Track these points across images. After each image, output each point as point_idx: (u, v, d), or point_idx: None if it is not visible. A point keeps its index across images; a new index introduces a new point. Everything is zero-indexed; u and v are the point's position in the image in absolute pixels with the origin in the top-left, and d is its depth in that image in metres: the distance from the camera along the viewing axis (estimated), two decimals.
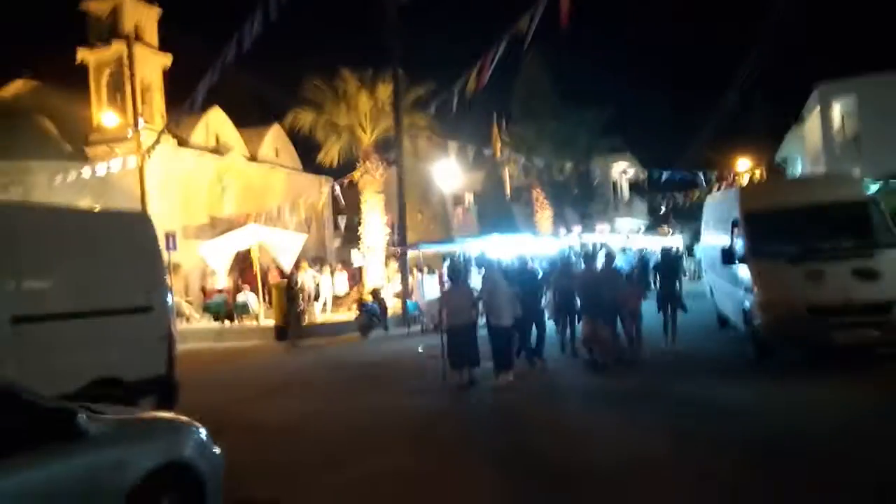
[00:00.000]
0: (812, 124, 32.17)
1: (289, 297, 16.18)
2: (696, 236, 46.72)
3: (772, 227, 9.44)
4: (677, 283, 11.40)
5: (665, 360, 10.41)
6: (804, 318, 8.45)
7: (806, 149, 34.46)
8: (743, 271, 9.68)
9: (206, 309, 19.88)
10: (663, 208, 51.35)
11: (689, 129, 60.00)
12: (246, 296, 18.92)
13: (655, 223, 49.23)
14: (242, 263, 21.96)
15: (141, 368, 7.33)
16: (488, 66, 11.01)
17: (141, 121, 17.99)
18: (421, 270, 20.43)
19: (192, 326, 19.13)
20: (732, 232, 10.35)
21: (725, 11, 68.65)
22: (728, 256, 9.81)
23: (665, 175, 27.05)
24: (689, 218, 54.02)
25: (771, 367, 8.99)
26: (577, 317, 10.96)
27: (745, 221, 9.77)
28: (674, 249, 20.76)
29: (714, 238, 12.76)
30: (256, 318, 18.67)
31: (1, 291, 6.19)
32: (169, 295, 8.01)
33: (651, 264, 16.30)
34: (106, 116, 21.71)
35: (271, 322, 17.75)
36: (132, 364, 7.22)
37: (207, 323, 19.13)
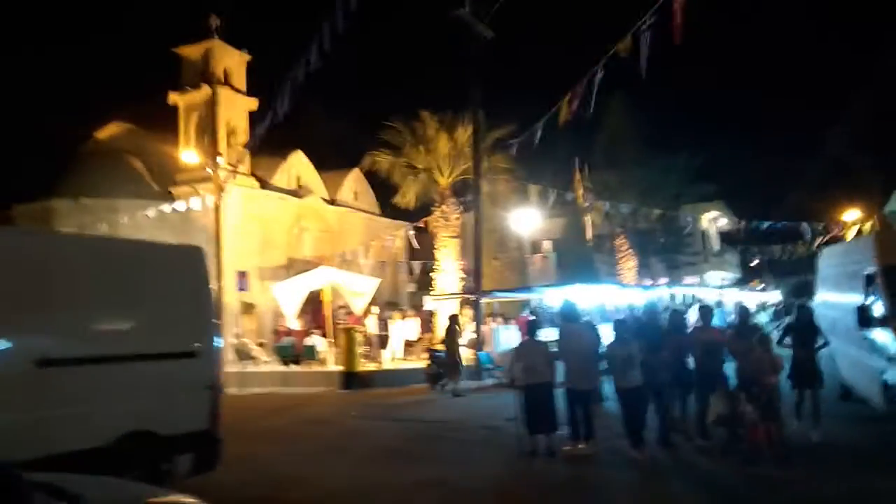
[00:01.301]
0: None
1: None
2: (794, 292, 43.55)
3: None
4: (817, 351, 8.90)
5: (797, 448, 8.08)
6: None
7: None
8: (883, 336, 8.08)
9: (276, 351, 19.41)
10: (756, 261, 48.39)
11: (788, 178, 56.66)
12: (314, 339, 18.31)
13: (748, 277, 46.18)
14: (315, 306, 21.56)
15: (180, 422, 6.57)
16: (581, 94, 10.04)
17: (220, 159, 17.93)
18: (495, 319, 19.32)
19: (259, 369, 18.65)
20: (866, 289, 8.77)
21: (826, 50, 65.46)
22: (864, 319, 8.24)
23: (765, 225, 24.93)
24: (785, 272, 50.53)
25: None
26: (689, 388, 9.00)
27: (885, 276, 8.21)
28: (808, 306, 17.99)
29: (835, 296, 11.09)
30: (324, 362, 17.98)
31: (26, 330, 5.58)
32: (218, 339, 7.29)
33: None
34: (185, 154, 22.03)
35: (338, 368, 17.03)
36: (170, 416, 6.48)
37: (275, 366, 18.60)
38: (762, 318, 28.77)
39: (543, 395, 8.51)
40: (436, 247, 21.97)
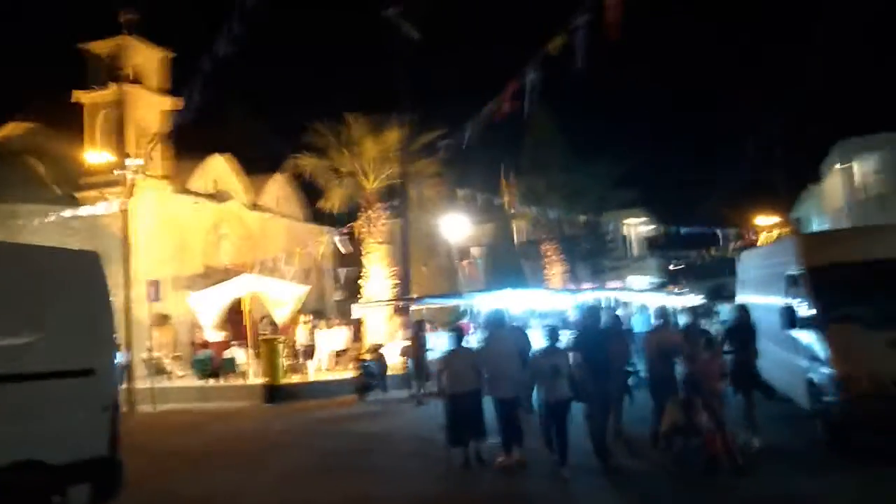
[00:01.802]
0: (831, 182, 31.13)
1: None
2: (710, 295, 45.28)
3: (842, 285, 7.99)
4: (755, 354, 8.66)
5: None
6: (891, 397, 6.95)
7: (824, 208, 33.33)
8: (806, 337, 8.19)
9: (193, 365, 18.32)
10: (674, 265, 50.12)
11: (705, 185, 58.92)
12: (233, 352, 17.39)
13: (668, 281, 47.72)
14: (237, 316, 20.55)
15: (74, 449, 5.82)
16: (512, 94, 9.82)
17: (129, 161, 16.78)
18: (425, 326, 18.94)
19: (175, 384, 17.56)
20: (789, 291, 8.90)
21: (744, 62, 68.70)
22: (789, 320, 8.32)
23: (684, 231, 25.70)
24: (702, 276, 52.57)
25: (849, 456, 7.40)
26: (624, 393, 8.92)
27: (809, 278, 8.33)
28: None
29: (757, 297, 11.29)
30: (245, 375, 17.10)
31: None
32: (117, 355, 6.57)
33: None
34: (90, 155, 20.60)
35: (260, 381, 16.21)
36: (62, 443, 5.72)
37: (192, 381, 17.55)
38: (683, 321, 29.66)
39: (469, 403, 8.24)
40: (363, 253, 21.40)
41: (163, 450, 10.12)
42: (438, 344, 17.01)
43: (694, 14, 70.84)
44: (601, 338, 8.26)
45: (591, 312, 9.17)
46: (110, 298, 6.42)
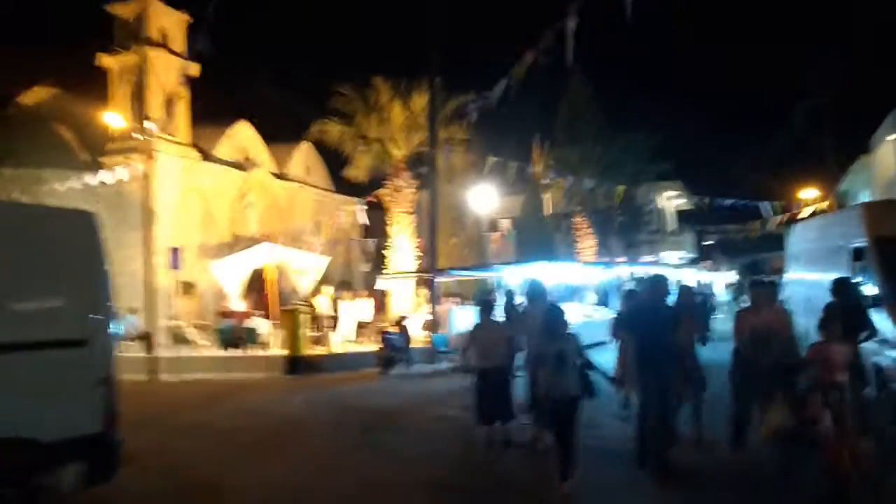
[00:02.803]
0: (883, 153, 29.48)
1: None
2: (744, 271, 43.84)
3: None
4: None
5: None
6: None
7: (875, 179, 31.67)
8: (875, 317, 7.35)
9: (215, 335, 18.03)
10: (710, 241, 48.67)
11: (746, 157, 56.78)
12: (256, 321, 17.03)
13: (703, 256, 46.37)
14: (262, 286, 20.24)
15: (66, 425, 5.36)
16: (546, 45, 9.01)
17: (149, 124, 16.34)
18: (452, 300, 18.38)
19: (196, 354, 17.29)
20: (853, 265, 8.04)
21: (787, 29, 65.80)
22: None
23: (726, 202, 24.49)
24: (737, 252, 51.01)
25: None
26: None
27: (877, 251, 7.47)
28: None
29: (811, 273, 10.43)
30: (266, 346, 16.75)
31: None
32: (113, 323, 6.05)
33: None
34: (109, 117, 20.22)
35: (282, 352, 15.85)
36: (51, 419, 5.26)
37: (214, 351, 17.27)
38: (725, 297, 28.68)
39: (499, 380, 7.63)
40: (390, 223, 20.82)
41: (175, 424, 9.74)
42: (464, 318, 16.50)
43: None
44: (666, 317, 6.53)
45: (657, 285, 6.93)
46: (106, 264, 5.87)
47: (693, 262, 42.69)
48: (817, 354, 5.58)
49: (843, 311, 6.24)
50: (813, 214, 25.98)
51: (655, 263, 34.63)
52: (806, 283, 10.71)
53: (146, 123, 16.41)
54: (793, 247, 11.95)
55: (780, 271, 35.32)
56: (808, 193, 32.19)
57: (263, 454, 7.85)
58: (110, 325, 5.87)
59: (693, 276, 32.05)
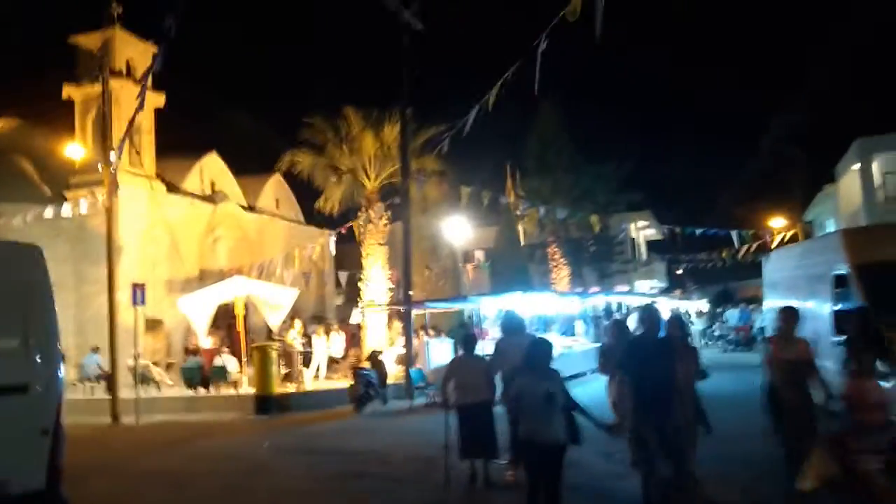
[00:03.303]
0: (848, 182, 30.12)
1: None
2: (717, 300, 44.11)
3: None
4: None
5: None
6: None
7: (840, 208, 32.29)
8: None
9: (181, 374, 17.33)
10: (680, 269, 49.08)
11: (714, 187, 57.87)
12: (224, 359, 16.41)
13: (674, 285, 46.66)
14: (231, 321, 19.62)
15: (3, 480, 4.86)
16: (515, 73, 8.86)
17: (112, 155, 15.84)
18: (427, 333, 17.99)
19: (162, 394, 16.59)
20: (836, 292, 7.90)
21: (755, 61, 67.73)
22: (838, 326, 7.33)
23: (698, 232, 24.64)
24: (708, 281, 51.49)
25: None
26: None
27: (860, 277, 7.34)
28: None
29: (791, 302, 10.30)
30: (236, 384, 16.12)
31: None
32: (60, 367, 5.57)
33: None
34: (74, 151, 19.68)
35: (252, 391, 15.24)
36: None
37: (181, 391, 16.57)
38: (698, 326, 28.72)
39: (481, 415, 7.42)
40: (363, 255, 20.44)
41: (136, 470, 9.15)
42: (441, 352, 16.11)
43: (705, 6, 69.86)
44: (666, 351, 5.82)
45: (649, 315, 6.20)
46: (51, 302, 5.43)
47: (665, 291, 42.96)
48: (853, 392, 5.05)
49: (866, 344, 5.89)
50: (782, 243, 26.27)
51: (629, 293, 34.71)
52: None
53: (110, 155, 15.86)
54: (770, 275, 11.87)
55: (750, 300, 35.69)
56: (777, 222, 32.69)
57: (225, 502, 7.32)
58: (57, 370, 5.40)
59: (666, 305, 32.14)
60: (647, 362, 5.56)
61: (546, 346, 5.52)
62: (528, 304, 15.00)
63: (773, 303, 11.52)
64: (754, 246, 27.55)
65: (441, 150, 13.43)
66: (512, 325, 8.03)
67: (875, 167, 27.21)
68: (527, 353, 5.56)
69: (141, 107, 14.27)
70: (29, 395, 5.08)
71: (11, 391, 4.99)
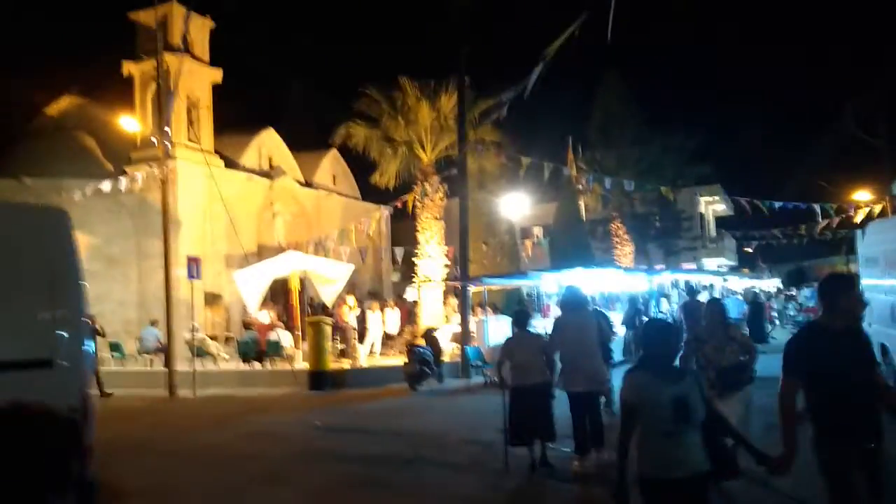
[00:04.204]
0: None
1: None
2: (789, 279, 41.83)
3: None
4: None
5: None
6: None
7: None
8: None
9: (237, 348, 17.28)
10: (750, 247, 46.83)
11: (785, 162, 54.86)
12: (278, 334, 16.22)
13: (744, 263, 44.58)
14: (287, 296, 19.49)
15: None
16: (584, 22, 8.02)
17: (168, 129, 15.71)
18: (485, 310, 17.35)
19: (219, 368, 16.57)
20: None
21: (836, 27, 63.47)
22: None
23: (777, 205, 22.99)
24: (778, 259, 49.01)
25: None
26: None
27: None
28: None
29: (893, 280, 9.19)
30: (290, 359, 15.91)
31: None
32: (87, 340, 5.18)
33: None
34: (132, 125, 19.77)
35: (306, 366, 14.99)
36: None
37: (236, 365, 16.51)
38: (776, 305, 27.20)
39: (537, 398, 6.92)
40: (419, 230, 19.90)
41: (180, 449, 8.89)
42: (498, 329, 15.48)
43: None
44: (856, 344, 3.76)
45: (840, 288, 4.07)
46: (80, 271, 5.02)
47: (734, 270, 41.02)
48: None
49: None
50: (869, 217, 24.34)
51: (696, 271, 33.16)
52: (887, 289, 9.50)
53: (167, 130, 15.75)
54: (868, 249, 10.67)
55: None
56: (861, 196, 30.46)
57: (271, 488, 6.91)
58: (83, 343, 5.00)
59: (738, 285, 30.53)
60: (837, 361, 3.61)
61: (671, 333, 3.73)
62: (590, 281, 14.16)
63: (873, 280, 10.37)
64: (836, 221, 25.71)
65: (500, 120, 12.68)
66: (573, 301, 7.34)
67: None
68: (644, 344, 3.82)
69: None
70: (54, 370, 4.70)
71: (35, 366, 4.61)
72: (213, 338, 19.17)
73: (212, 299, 23.06)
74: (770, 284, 38.09)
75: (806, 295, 26.28)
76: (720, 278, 29.33)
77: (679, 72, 68.99)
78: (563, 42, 8.44)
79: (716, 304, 6.25)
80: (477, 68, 21.02)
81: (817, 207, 23.27)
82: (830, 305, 3.77)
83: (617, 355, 12.70)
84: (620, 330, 14.07)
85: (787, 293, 34.51)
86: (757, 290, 26.54)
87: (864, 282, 10.76)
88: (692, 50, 69.12)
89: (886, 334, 9.49)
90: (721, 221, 43.81)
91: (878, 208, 27.27)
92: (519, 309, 9.23)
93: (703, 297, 15.84)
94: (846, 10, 66.00)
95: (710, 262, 40.29)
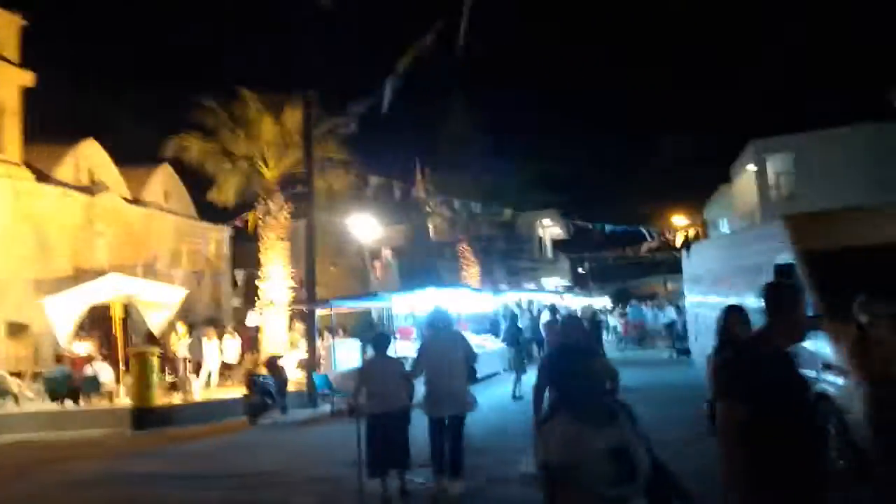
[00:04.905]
0: (744, 182, 31.27)
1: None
2: (616, 297, 45.18)
3: (850, 274, 6.48)
4: None
5: None
6: None
7: (736, 208, 33.57)
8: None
9: (45, 384, 15.05)
10: (582, 269, 50.16)
11: (618, 187, 59.58)
12: (97, 367, 14.39)
13: (577, 283, 47.48)
14: (107, 324, 17.44)
15: None
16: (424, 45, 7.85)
17: None
18: (335, 333, 16.67)
19: (24, 409, 14.33)
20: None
21: (658, 61, 70.10)
22: None
23: (608, 228, 24.64)
24: (606, 279, 52.93)
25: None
26: None
27: (807, 265, 6.80)
28: None
29: (718, 297, 9.86)
30: (110, 396, 14.15)
31: None
32: None
33: None
34: None
35: (129, 403, 13.38)
36: None
37: (45, 405, 14.37)
38: (611, 322, 29.06)
39: (395, 425, 6.64)
40: (262, 251, 18.77)
41: None
42: (347, 353, 14.89)
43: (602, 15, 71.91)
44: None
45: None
46: None
47: (569, 289, 43.51)
48: None
49: None
50: (686, 240, 26.80)
51: (536, 290, 34.65)
52: (711, 306, 10.16)
53: None
54: (692, 268, 11.47)
55: (651, 297, 36.34)
56: (679, 220, 33.63)
57: None
58: None
59: (575, 303, 32.28)
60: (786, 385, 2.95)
61: (593, 361, 2.76)
62: (442, 301, 14.04)
63: (697, 297, 11.12)
64: (656, 244, 28.10)
65: (349, 136, 12.23)
66: (439, 322, 7.08)
67: (769, 168, 28.28)
68: (560, 380, 2.82)
69: None
70: None
71: None
72: (17, 374, 16.66)
73: (17, 330, 20.15)
74: (601, 302, 40.75)
75: (628, 312, 28.41)
76: (559, 296, 30.84)
77: (523, 97, 72.88)
78: (416, 54, 8.24)
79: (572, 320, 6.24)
80: (323, 85, 20.40)
81: (644, 231, 25.19)
82: (778, 317, 3.05)
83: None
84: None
85: (620, 311, 37.10)
86: (597, 309, 28.24)
87: (690, 298, 11.54)
88: (530, 77, 73.37)
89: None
90: (558, 244, 46.40)
91: (692, 232, 30.23)
92: (380, 333, 8.82)
93: (545, 316, 16.40)
94: (669, 56, 73.49)
95: (549, 282, 42.44)
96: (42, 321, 19.37)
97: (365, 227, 22.56)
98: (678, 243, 27.89)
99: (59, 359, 17.00)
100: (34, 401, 14.95)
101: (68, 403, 14.10)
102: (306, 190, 15.99)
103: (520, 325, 16.20)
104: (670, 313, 23.81)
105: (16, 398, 14.72)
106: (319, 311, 16.47)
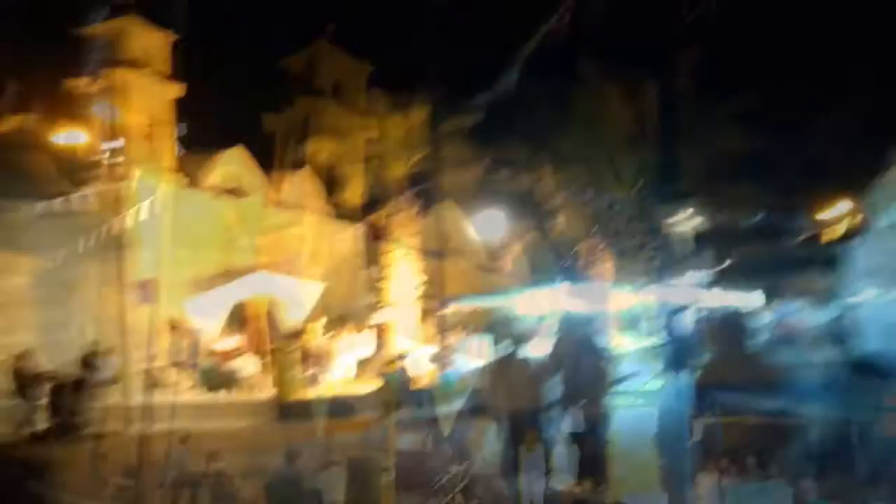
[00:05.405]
0: None
1: None
2: (769, 293, 41.79)
3: None
4: None
5: None
6: None
7: None
8: None
9: (201, 377, 16.15)
10: (728, 262, 46.84)
11: (764, 173, 54.93)
12: (241, 361, 15.18)
13: (721, 278, 44.51)
14: (252, 320, 18.41)
15: None
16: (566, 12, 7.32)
17: (116, 143, 14.77)
18: (464, 331, 16.54)
19: (175, 400, 15.37)
20: None
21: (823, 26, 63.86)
22: None
23: (754, 219, 22.66)
24: (752, 273, 49.02)
25: None
26: None
27: None
28: None
29: None
30: (252, 388, 14.87)
31: None
32: None
33: None
34: (86, 144, 18.77)
35: (269, 395, 13.98)
36: None
37: (195, 395, 15.38)
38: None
39: (527, 424, 6.51)
40: (391, 249, 19.07)
41: None
42: (475, 351, 14.67)
43: None
44: None
45: None
46: None
47: (713, 285, 40.80)
48: None
49: None
50: (851, 230, 24.16)
51: (678, 286, 32.68)
52: None
53: (118, 146, 14.80)
54: (866, 261, 10.07)
55: (807, 293, 33.42)
56: (836, 209, 30.42)
57: None
58: None
59: (720, 300, 30.07)
60: None
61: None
62: (576, 298, 13.44)
63: (871, 294, 9.76)
64: (807, 234, 25.61)
65: (476, 120, 11.87)
66: (572, 328, 6.65)
67: None
68: None
69: None
70: None
71: None
72: (175, 365, 18.03)
73: (176, 325, 21.88)
74: (750, 299, 37.86)
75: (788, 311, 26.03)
76: (704, 292, 28.93)
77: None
78: (543, 36, 7.71)
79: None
80: (450, 81, 20.35)
81: (797, 219, 22.89)
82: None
83: None
84: None
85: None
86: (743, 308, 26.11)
87: (863, 296, 10.15)
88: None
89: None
90: (700, 235, 43.65)
91: (857, 220, 27.19)
92: (513, 329, 8.50)
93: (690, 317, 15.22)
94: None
95: (690, 277, 40.02)
96: (196, 317, 20.97)
97: (492, 222, 22.28)
98: (838, 234, 25.25)
99: (211, 353, 18.23)
100: (187, 392, 16.05)
101: (220, 394, 14.98)
102: (433, 187, 15.96)
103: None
104: (831, 311, 21.53)
105: (171, 389, 15.85)
106: (449, 308, 16.42)
